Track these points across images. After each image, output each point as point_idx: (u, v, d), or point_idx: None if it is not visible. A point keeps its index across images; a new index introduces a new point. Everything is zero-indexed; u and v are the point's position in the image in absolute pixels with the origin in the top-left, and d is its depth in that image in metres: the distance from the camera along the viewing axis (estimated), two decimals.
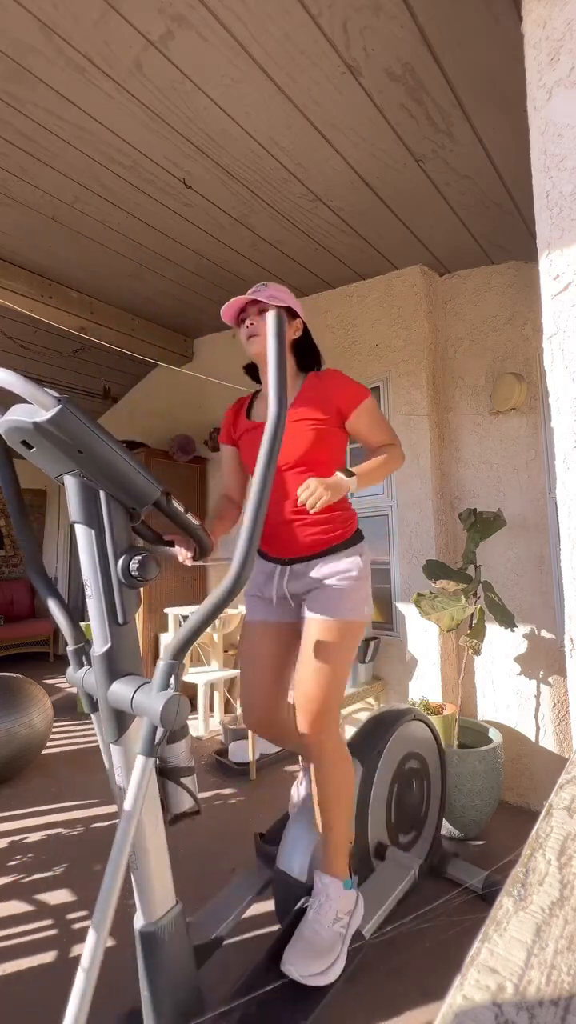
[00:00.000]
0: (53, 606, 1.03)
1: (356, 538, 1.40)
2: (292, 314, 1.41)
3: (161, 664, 0.80)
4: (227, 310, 1.36)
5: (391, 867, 1.51)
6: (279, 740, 1.53)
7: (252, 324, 1.36)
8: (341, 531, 1.38)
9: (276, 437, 0.84)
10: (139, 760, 0.79)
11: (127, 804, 0.79)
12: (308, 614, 1.34)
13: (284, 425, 0.87)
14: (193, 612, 0.82)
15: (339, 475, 1.22)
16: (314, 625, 1.31)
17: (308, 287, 3.07)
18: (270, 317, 0.89)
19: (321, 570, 1.36)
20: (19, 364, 3.95)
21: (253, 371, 1.55)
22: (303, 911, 1.28)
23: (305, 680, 1.29)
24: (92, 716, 1.01)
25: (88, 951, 0.75)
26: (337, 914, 1.24)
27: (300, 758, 1.61)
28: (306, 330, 1.47)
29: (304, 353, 1.48)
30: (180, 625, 3.42)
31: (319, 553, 1.36)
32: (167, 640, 3.33)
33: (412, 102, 1.69)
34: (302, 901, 1.30)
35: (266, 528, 1.45)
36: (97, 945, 0.75)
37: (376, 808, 1.53)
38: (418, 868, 1.51)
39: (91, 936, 0.75)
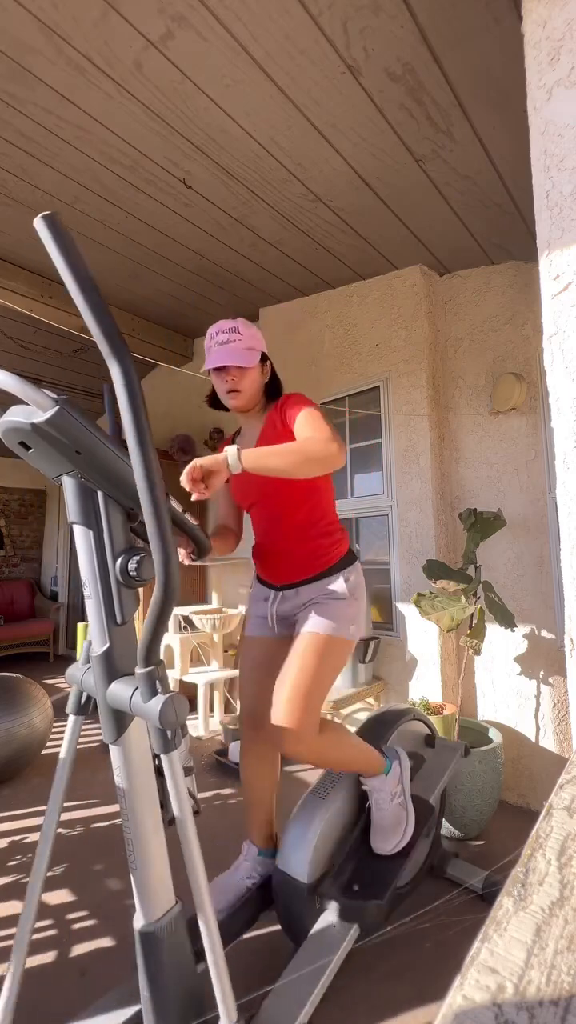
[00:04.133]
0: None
1: (345, 561, 1.41)
2: (263, 357, 1.42)
3: (139, 673, 0.79)
4: (209, 367, 1.36)
5: (441, 751, 1.80)
6: (269, 763, 1.55)
7: (233, 379, 1.36)
8: (329, 556, 1.39)
9: (133, 391, 0.72)
10: (164, 760, 0.81)
11: (176, 809, 0.81)
12: (297, 630, 1.36)
13: (134, 378, 0.74)
14: (146, 618, 0.78)
15: (227, 450, 1.16)
16: (299, 640, 1.33)
17: (308, 287, 3.07)
18: (40, 226, 0.68)
19: (309, 593, 1.38)
20: (19, 364, 3.95)
21: (215, 402, 1.51)
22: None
23: (281, 695, 1.28)
24: (71, 717, 1.01)
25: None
26: (391, 794, 1.43)
27: (244, 841, 1.57)
28: (271, 366, 1.49)
29: (271, 388, 1.49)
30: (180, 625, 3.43)
31: (308, 579, 1.39)
32: (166, 641, 3.33)
33: (412, 102, 1.69)
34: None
35: (260, 555, 1.49)
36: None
37: None
38: (464, 749, 1.79)
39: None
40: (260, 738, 1.47)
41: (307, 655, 1.30)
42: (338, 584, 1.36)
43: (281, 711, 1.27)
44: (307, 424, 1.28)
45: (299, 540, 1.39)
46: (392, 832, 1.43)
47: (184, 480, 1.15)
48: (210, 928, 0.83)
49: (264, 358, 1.43)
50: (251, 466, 1.15)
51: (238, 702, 3.39)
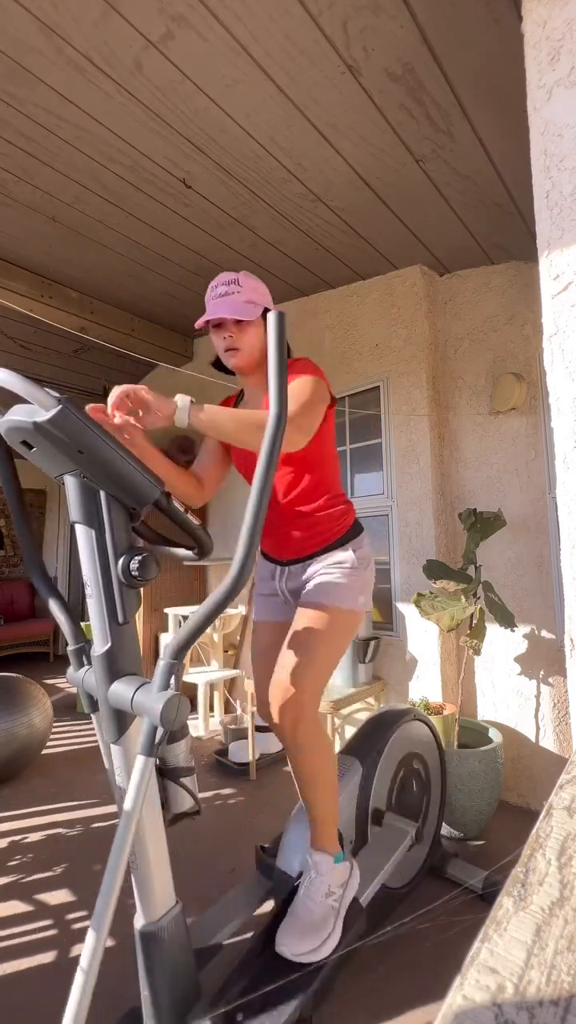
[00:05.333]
0: (54, 606, 1.03)
1: (351, 534, 1.37)
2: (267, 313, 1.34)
3: (161, 664, 0.80)
4: (204, 320, 1.26)
5: (388, 832, 1.50)
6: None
7: (230, 337, 1.28)
8: (334, 529, 1.36)
9: (276, 438, 0.85)
10: (139, 760, 0.79)
11: (127, 804, 0.79)
12: (300, 600, 1.32)
13: (284, 427, 0.86)
14: (193, 612, 0.82)
15: (179, 399, 1.03)
16: (302, 611, 1.28)
17: (308, 287, 3.07)
18: (272, 320, 0.87)
19: (315, 565, 1.35)
20: (19, 364, 3.95)
21: (221, 364, 1.41)
22: (293, 893, 1.25)
23: (282, 664, 1.22)
24: (92, 716, 1.01)
25: (87, 952, 0.74)
26: (329, 888, 1.22)
27: None
28: None
29: None
30: (180, 625, 3.43)
31: (313, 554, 1.36)
32: (167, 640, 3.33)
33: (412, 102, 1.69)
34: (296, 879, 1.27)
35: (264, 530, 1.43)
36: (97, 945, 0.74)
37: (376, 808, 1.53)
38: (414, 832, 1.49)
39: (90, 936, 0.75)
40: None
41: (312, 625, 1.24)
42: (345, 555, 1.33)
43: (280, 677, 1.20)
44: (299, 391, 1.18)
45: (303, 515, 1.35)
46: (312, 933, 1.16)
47: (113, 397, 0.99)
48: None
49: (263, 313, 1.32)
50: (201, 425, 1.02)
51: (237, 701, 3.39)
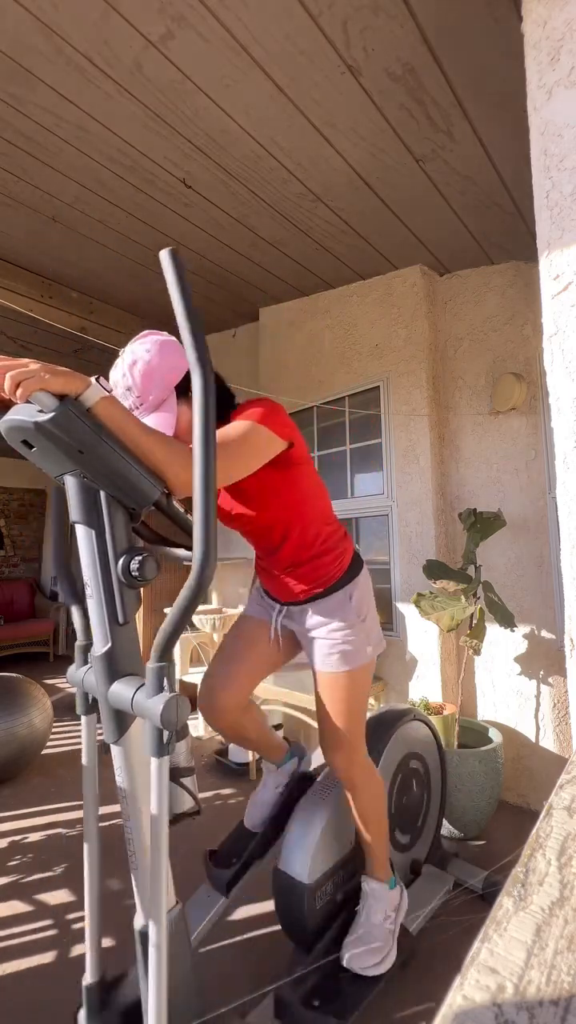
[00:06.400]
0: (76, 610, 1.02)
1: (350, 574, 1.34)
2: (183, 386, 1.10)
3: (150, 667, 0.80)
4: None
5: (430, 878, 1.68)
6: (232, 735, 1.51)
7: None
8: (333, 571, 1.33)
9: (208, 401, 0.77)
10: (153, 763, 0.80)
11: (153, 808, 0.79)
12: (315, 666, 1.34)
13: (212, 382, 0.77)
14: (169, 611, 0.81)
15: (92, 387, 0.80)
16: (322, 679, 1.32)
17: (308, 287, 3.07)
18: (164, 258, 0.85)
19: (315, 617, 1.33)
20: None
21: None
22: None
23: (325, 727, 1.32)
24: (82, 718, 1.01)
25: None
26: (385, 913, 1.35)
27: (261, 760, 1.63)
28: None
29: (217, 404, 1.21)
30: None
31: (313, 597, 1.33)
32: None
33: (412, 102, 1.69)
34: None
35: (262, 573, 1.43)
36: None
37: None
38: (452, 883, 1.67)
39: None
40: (219, 715, 1.44)
41: (336, 693, 1.30)
42: (344, 609, 1.31)
43: (329, 744, 1.33)
44: (223, 433, 1.02)
45: (298, 563, 1.31)
46: (372, 953, 1.30)
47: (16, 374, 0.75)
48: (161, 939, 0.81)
49: (184, 384, 1.08)
50: (104, 419, 0.82)
51: None
